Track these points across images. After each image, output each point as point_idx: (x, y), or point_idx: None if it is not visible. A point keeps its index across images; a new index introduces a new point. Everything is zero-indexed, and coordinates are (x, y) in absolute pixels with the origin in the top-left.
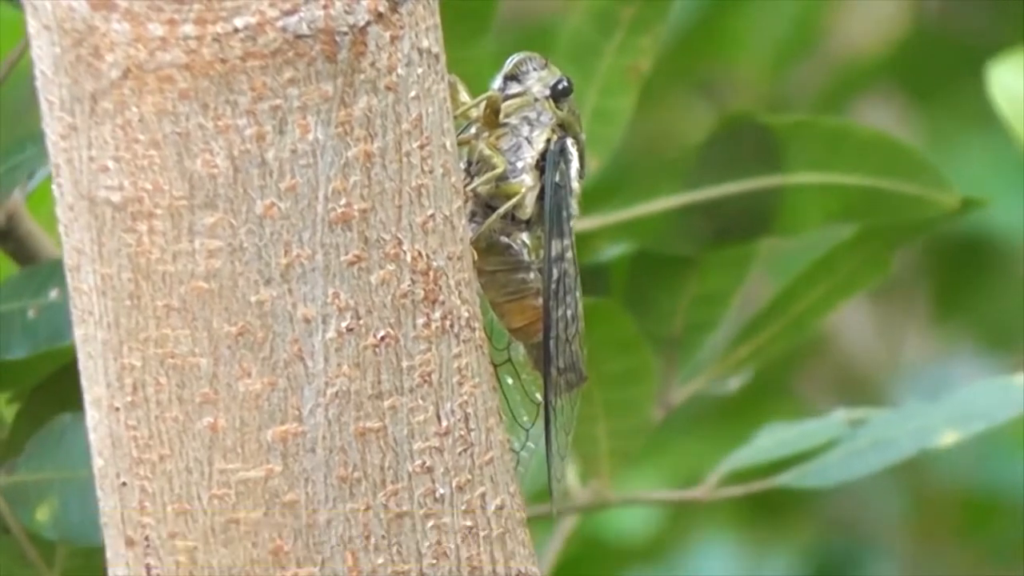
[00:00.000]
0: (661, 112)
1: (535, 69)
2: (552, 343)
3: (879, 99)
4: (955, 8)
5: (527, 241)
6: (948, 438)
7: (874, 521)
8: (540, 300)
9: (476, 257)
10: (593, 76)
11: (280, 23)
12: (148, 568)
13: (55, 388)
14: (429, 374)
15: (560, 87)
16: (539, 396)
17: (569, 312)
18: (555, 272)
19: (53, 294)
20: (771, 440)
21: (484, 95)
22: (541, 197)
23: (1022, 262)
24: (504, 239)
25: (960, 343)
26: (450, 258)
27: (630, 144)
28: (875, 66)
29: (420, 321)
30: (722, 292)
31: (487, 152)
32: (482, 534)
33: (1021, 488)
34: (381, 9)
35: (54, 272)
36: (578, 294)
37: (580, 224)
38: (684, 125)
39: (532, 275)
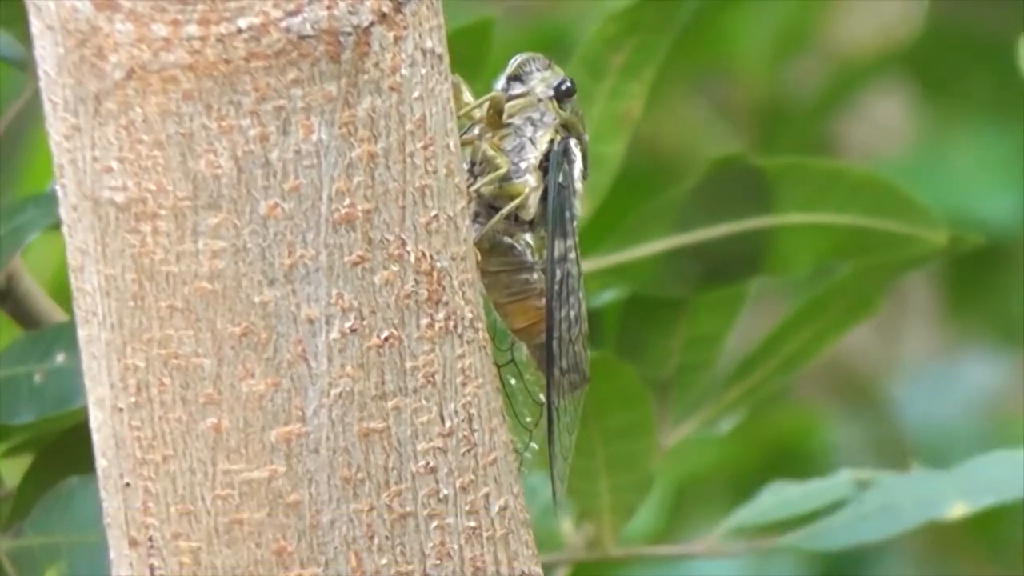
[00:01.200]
0: (660, 110)
1: (538, 70)
2: (555, 344)
3: (882, 94)
4: (961, 3)
5: (530, 242)
6: (957, 511)
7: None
8: (543, 301)
9: (479, 258)
10: (587, 126)
11: (284, 24)
12: (152, 569)
13: (62, 450)
14: (433, 375)
15: (563, 87)
16: (542, 397)
17: (572, 313)
18: (558, 273)
19: (60, 358)
20: (776, 499)
21: (487, 96)
22: (545, 198)
23: None
24: (507, 240)
25: (967, 339)
26: (454, 259)
27: (631, 146)
28: (878, 60)
29: (424, 322)
30: (714, 333)
31: (490, 153)
32: (486, 535)
33: None
34: (385, 10)
35: (60, 335)
36: (582, 295)
37: None
38: (684, 123)
39: (535, 276)
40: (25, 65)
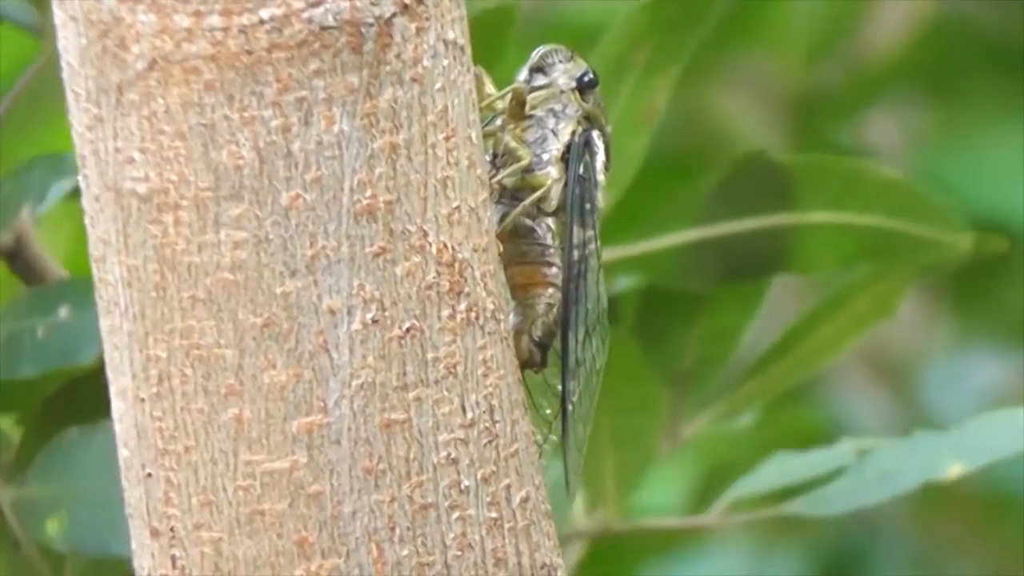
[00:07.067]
0: (698, 98)
1: (561, 61)
2: (571, 334)
3: (905, 94)
4: (979, 4)
5: (552, 226)
6: (954, 471)
7: (883, 517)
8: (552, 270)
9: (501, 248)
10: (609, 118)
11: (306, 14)
12: (173, 559)
13: (64, 402)
14: (454, 366)
15: (586, 79)
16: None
17: (589, 305)
18: (575, 257)
19: (63, 313)
20: (778, 469)
21: (510, 87)
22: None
23: None
24: (528, 222)
25: (974, 337)
26: (475, 250)
27: (669, 128)
28: (901, 61)
29: (445, 313)
30: (732, 328)
31: (512, 144)
32: (507, 526)
33: None
34: (407, 1)
35: (64, 291)
36: (601, 289)
37: None
38: (721, 109)
39: (552, 251)
40: (40, 32)
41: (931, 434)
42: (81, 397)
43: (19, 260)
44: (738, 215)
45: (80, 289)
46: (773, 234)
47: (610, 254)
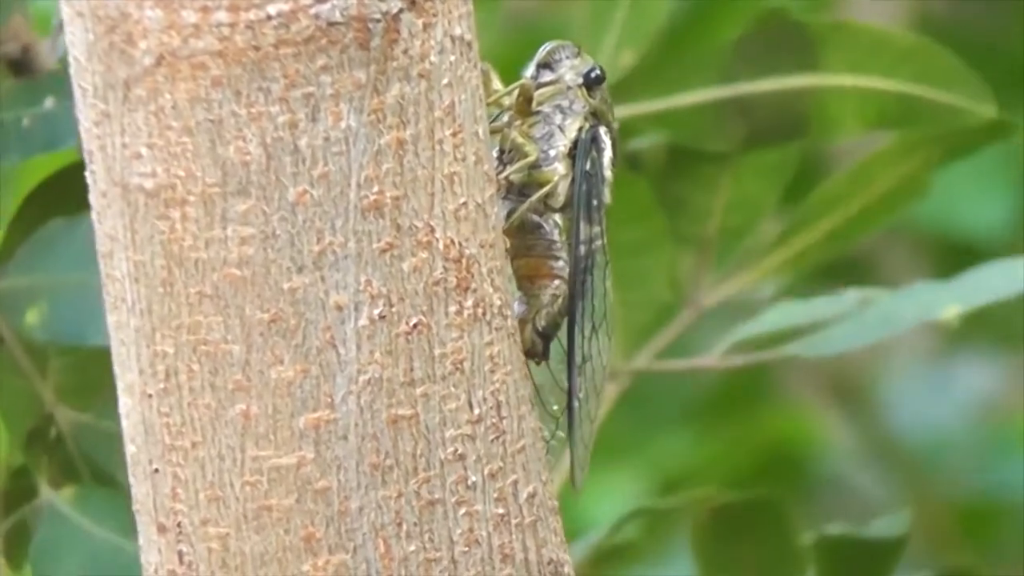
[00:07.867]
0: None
1: (568, 57)
2: (576, 329)
3: None
4: (956, 7)
5: (559, 222)
6: (950, 311)
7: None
8: (559, 264)
9: (508, 243)
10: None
11: (313, 10)
12: (180, 554)
13: (49, 194)
14: (461, 362)
15: (593, 75)
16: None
17: (595, 301)
18: (582, 252)
19: (49, 103)
20: (781, 314)
21: (517, 83)
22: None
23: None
24: (535, 218)
25: (960, 342)
26: (482, 246)
27: None
28: None
29: (452, 309)
30: (758, 197)
31: (520, 140)
32: (514, 522)
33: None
34: None
35: (51, 83)
36: (608, 285)
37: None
38: None
39: (558, 244)
40: None
41: (933, 282)
42: (66, 188)
43: (27, 73)
44: (759, 74)
45: (66, 81)
46: (795, 96)
47: (631, 110)
